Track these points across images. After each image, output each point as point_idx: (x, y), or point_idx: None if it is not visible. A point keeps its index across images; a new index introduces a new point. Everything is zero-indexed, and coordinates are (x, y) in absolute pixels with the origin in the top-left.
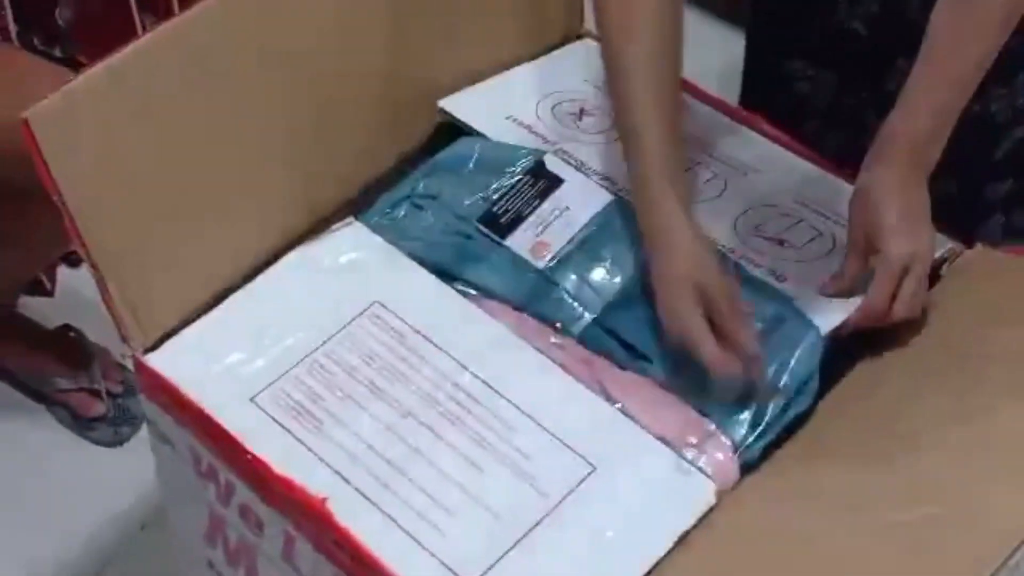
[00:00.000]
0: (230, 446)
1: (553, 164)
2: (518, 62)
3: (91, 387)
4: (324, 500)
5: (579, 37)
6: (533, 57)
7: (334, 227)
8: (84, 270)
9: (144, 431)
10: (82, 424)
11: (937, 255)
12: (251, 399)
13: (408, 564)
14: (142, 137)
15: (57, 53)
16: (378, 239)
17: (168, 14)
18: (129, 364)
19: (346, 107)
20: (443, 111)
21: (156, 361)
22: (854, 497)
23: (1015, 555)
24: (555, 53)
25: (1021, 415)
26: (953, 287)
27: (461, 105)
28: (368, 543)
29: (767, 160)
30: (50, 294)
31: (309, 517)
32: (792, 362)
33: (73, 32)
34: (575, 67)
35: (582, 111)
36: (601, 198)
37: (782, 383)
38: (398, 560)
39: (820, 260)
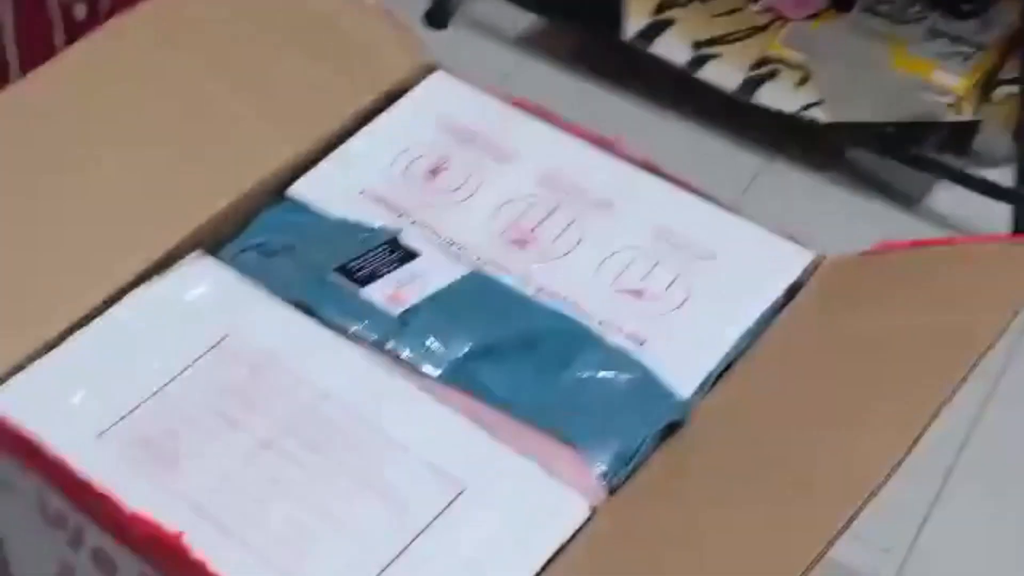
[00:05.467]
0: (78, 486)
1: (408, 238)
2: (361, 118)
3: None
4: (180, 535)
5: (431, 71)
6: (375, 107)
7: (181, 261)
8: None
9: None
10: None
11: (801, 266)
12: (98, 436)
13: None
14: None
15: None
16: (229, 272)
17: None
18: None
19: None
20: (292, 200)
21: None
22: (721, 486)
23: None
24: (403, 101)
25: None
26: (816, 292)
27: (311, 189)
28: None
29: (624, 189)
30: None
31: (165, 554)
32: (647, 432)
33: None
34: (425, 112)
35: (437, 168)
36: (458, 270)
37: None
38: None
39: (675, 312)
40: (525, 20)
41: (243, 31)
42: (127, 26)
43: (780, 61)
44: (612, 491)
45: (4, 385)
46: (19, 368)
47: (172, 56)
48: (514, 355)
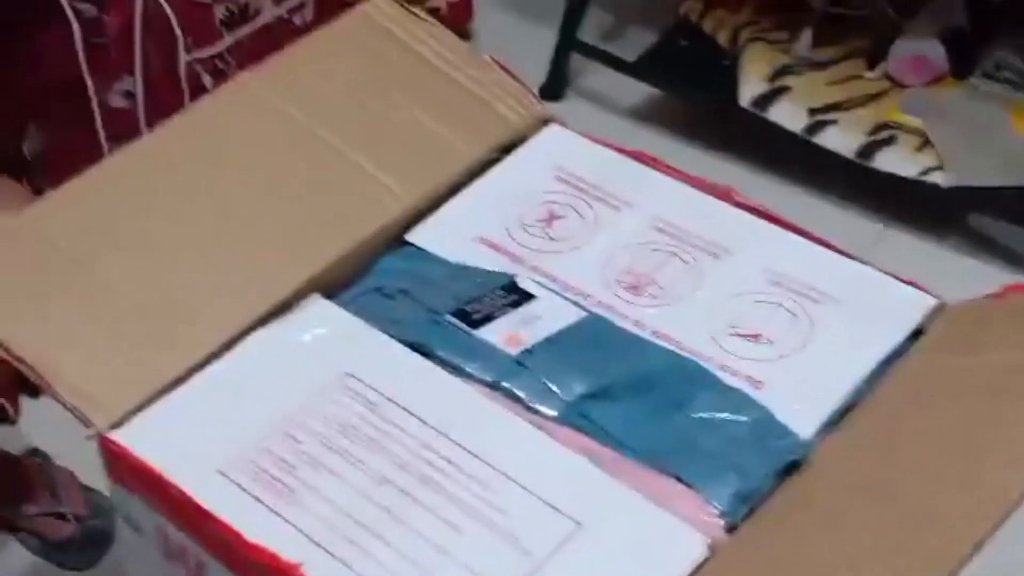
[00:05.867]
0: (199, 519)
1: (524, 283)
2: (477, 169)
3: (58, 511)
4: (298, 566)
5: (546, 123)
6: (491, 158)
7: (300, 304)
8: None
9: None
10: (51, 549)
11: (923, 311)
12: (219, 471)
13: None
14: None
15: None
16: (346, 314)
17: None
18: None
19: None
20: (412, 245)
21: (121, 438)
22: (843, 524)
23: None
24: (519, 151)
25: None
26: (940, 335)
27: (428, 236)
28: None
29: (740, 235)
30: (12, 421)
31: None
32: (766, 471)
33: (40, 164)
34: (541, 162)
35: (551, 215)
36: (574, 313)
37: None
38: None
39: (794, 355)
40: (639, 91)
41: (362, 84)
42: (250, 81)
43: (899, 127)
44: (731, 530)
45: (128, 422)
46: (143, 406)
47: (294, 108)
48: (630, 396)
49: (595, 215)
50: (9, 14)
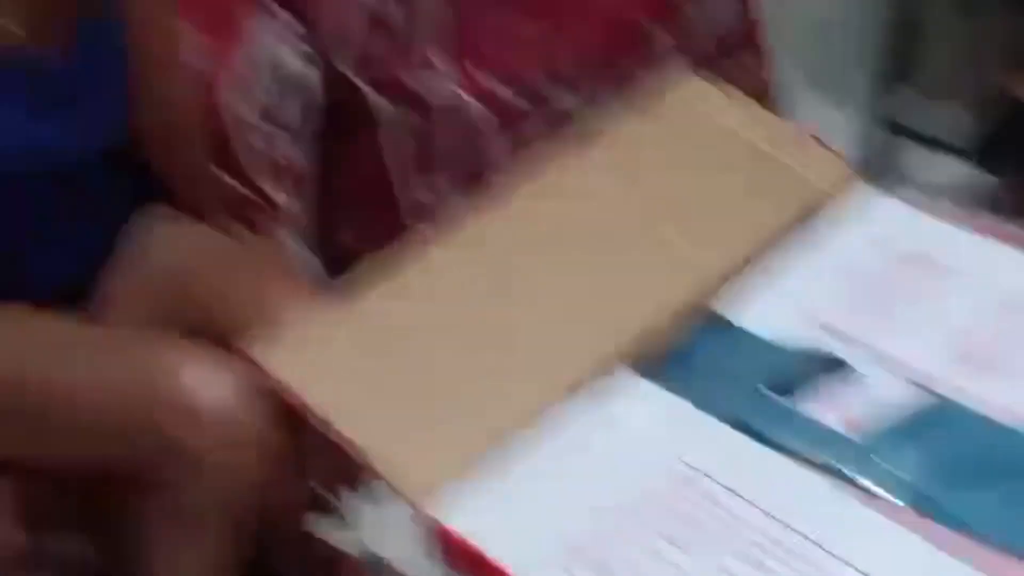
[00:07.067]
0: None
1: (856, 362)
2: (783, 234)
3: None
4: None
5: (860, 189)
6: (801, 226)
7: (610, 378)
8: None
9: None
10: None
11: None
12: (556, 562)
13: None
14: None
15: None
16: (669, 395)
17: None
18: None
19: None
20: (722, 318)
21: (445, 519)
22: None
23: None
24: (833, 218)
25: None
26: None
27: (739, 307)
28: None
29: (973, 257)
30: (336, 513)
31: None
32: None
33: (350, 259)
34: (863, 233)
35: (878, 290)
36: (915, 395)
37: None
38: None
39: None
40: (956, 172)
41: (672, 159)
42: (555, 166)
43: None
44: None
45: (451, 503)
46: (462, 484)
47: (606, 183)
48: (984, 483)
49: (928, 289)
50: (324, 124)
